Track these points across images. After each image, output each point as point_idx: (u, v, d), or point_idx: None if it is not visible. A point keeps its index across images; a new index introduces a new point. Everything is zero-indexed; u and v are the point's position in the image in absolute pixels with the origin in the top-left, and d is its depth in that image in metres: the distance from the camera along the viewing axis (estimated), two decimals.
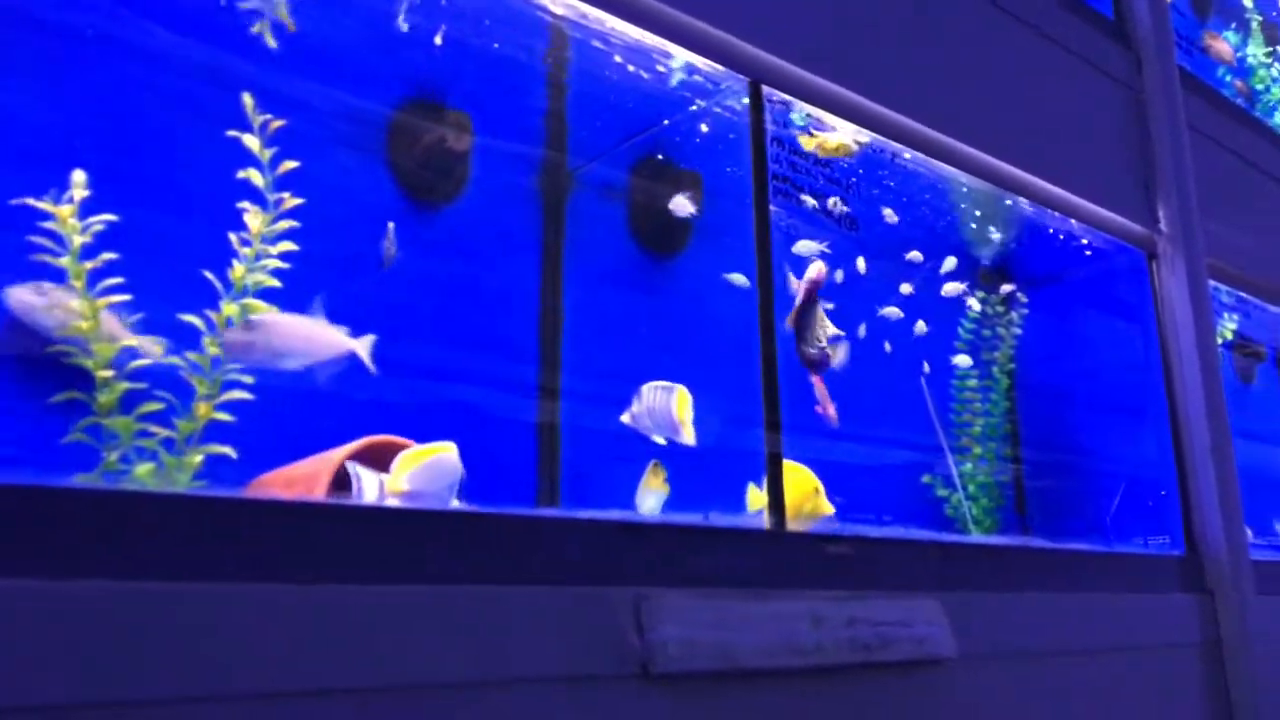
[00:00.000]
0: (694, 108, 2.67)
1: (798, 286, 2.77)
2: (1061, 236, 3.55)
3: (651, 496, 2.59)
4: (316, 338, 2.11)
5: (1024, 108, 3.23)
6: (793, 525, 2.29)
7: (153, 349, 1.94)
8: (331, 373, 2.14)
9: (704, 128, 2.79)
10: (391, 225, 2.49)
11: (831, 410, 2.73)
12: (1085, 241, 3.58)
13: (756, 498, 2.55)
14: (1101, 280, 3.84)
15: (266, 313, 2.09)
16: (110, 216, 1.95)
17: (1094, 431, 3.93)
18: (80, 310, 1.88)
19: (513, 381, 2.76)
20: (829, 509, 2.68)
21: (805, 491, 2.65)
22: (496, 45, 2.56)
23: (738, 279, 2.65)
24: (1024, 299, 3.92)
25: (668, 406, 2.56)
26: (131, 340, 1.95)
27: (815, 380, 2.78)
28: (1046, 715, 2.59)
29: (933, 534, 2.93)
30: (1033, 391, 3.96)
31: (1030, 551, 2.87)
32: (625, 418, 2.61)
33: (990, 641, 2.46)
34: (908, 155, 2.86)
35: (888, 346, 3.40)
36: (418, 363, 2.55)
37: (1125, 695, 2.83)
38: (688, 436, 2.57)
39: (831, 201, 2.82)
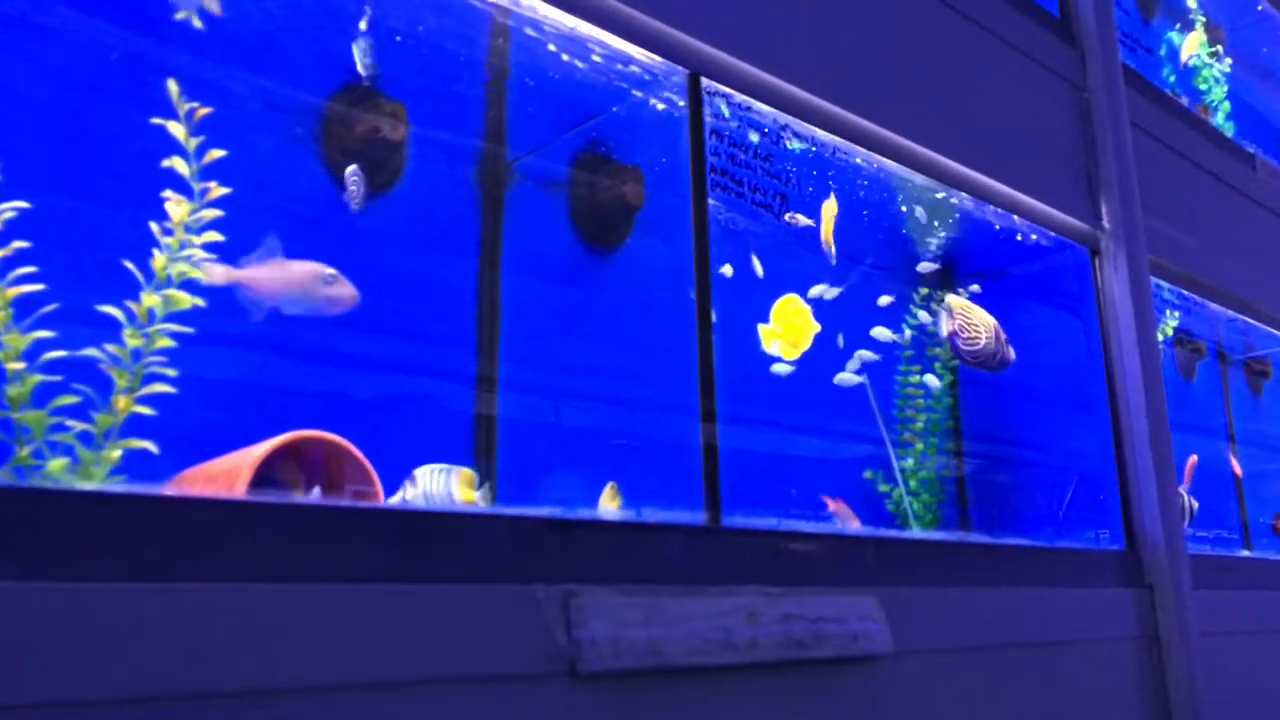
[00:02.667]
0: (633, 99, 2.64)
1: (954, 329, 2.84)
2: (1005, 232, 3.56)
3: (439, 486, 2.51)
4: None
5: (968, 104, 3.23)
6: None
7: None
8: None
9: (644, 120, 2.77)
10: (353, 167, 2.41)
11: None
12: (1034, 238, 3.60)
13: (611, 497, 2.56)
14: (1044, 276, 3.87)
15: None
16: (21, 204, 1.89)
17: (1037, 427, 3.96)
18: None
19: (449, 373, 2.72)
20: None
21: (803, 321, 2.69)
22: (432, 33, 2.52)
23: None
24: (966, 294, 3.93)
25: (447, 490, 2.23)
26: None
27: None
28: (984, 711, 2.60)
29: (870, 529, 2.93)
30: (975, 387, 3.98)
31: (969, 547, 2.88)
32: (396, 499, 2.25)
33: (927, 637, 2.46)
34: (852, 152, 2.86)
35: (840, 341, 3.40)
36: (351, 354, 2.51)
37: (1064, 690, 2.85)
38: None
39: (790, 216, 2.83)
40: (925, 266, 3.61)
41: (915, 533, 3.49)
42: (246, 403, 2.32)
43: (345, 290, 2.23)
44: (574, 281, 3.07)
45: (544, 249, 3.00)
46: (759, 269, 3.00)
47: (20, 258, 1.88)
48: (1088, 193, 3.63)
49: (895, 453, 3.60)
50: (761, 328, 2.95)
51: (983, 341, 3.19)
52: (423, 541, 1.72)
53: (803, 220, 2.79)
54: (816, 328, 3.02)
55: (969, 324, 3.22)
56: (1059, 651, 2.88)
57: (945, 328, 3.22)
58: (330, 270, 2.23)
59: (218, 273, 2.13)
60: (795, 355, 3.01)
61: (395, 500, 2.17)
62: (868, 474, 3.60)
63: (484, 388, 2.73)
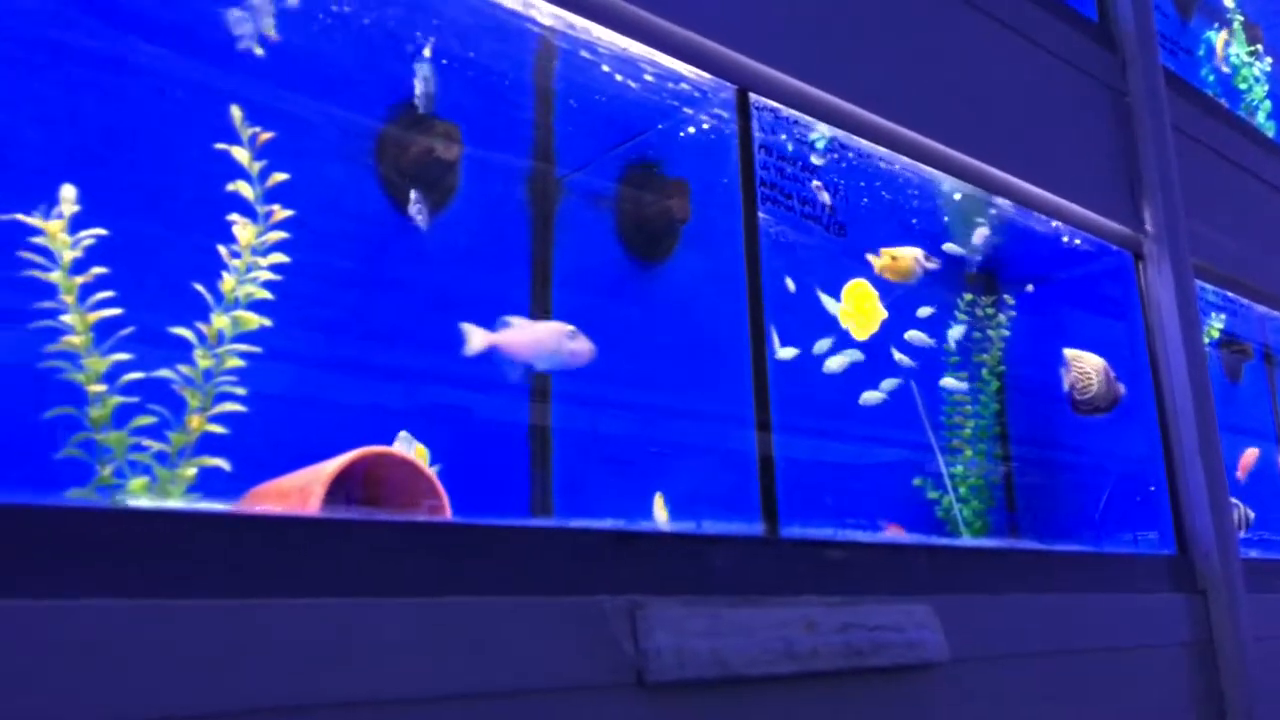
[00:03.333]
0: (683, 115, 2.68)
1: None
2: (1048, 238, 3.57)
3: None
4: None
5: (1009, 111, 3.25)
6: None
7: None
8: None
9: (691, 133, 2.80)
10: (414, 196, 2.48)
11: None
12: (1076, 243, 3.60)
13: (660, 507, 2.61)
14: (1088, 281, 3.87)
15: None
16: (100, 231, 1.95)
17: (1084, 432, 3.95)
18: (74, 325, 1.88)
19: (503, 387, 2.77)
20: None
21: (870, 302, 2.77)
22: (485, 57, 2.57)
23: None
24: (1011, 301, 3.94)
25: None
26: None
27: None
28: (1038, 717, 2.61)
29: (924, 538, 2.95)
30: (1022, 393, 3.98)
31: (1021, 554, 2.89)
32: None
33: (982, 644, 2.48)
34: (897, 161, 2.88)
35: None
36: (406, 370, 2.56)
37: (1118, 696, 2.85)
38: None
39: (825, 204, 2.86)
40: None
41: (967, 540, 3.50)
42: (311, 420, 2.37)
43: (584, 345, 2.38)
44: (621, 294, 3.11)
45: (592, 263, 3.05)
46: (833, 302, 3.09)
47: (99, 283, 1.94)
48: (1130, 197, 3.63)
49: (944, 459, 3.61)
50: (830, 300, 3.04)
51: (1095, 387, 3.24)
52: (491, 554, 1.76)
53: (825, 195, 2.82)
54: (883, 314, 3.09)
55: (1082, 373, 3.28)
56: (1112, 658, 2.88)
57: (1066, 381, 3.29)
58: (570, 328, 2.38)
59: (477, 337, 2.31)
60: (864, 336, 3.14)
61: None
62: (917, 481, 3.61)
63: (537, 399, 2.77)
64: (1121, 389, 3.37)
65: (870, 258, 3.19)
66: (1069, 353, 3.35)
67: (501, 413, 2.78)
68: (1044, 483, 4.00)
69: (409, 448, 2.28)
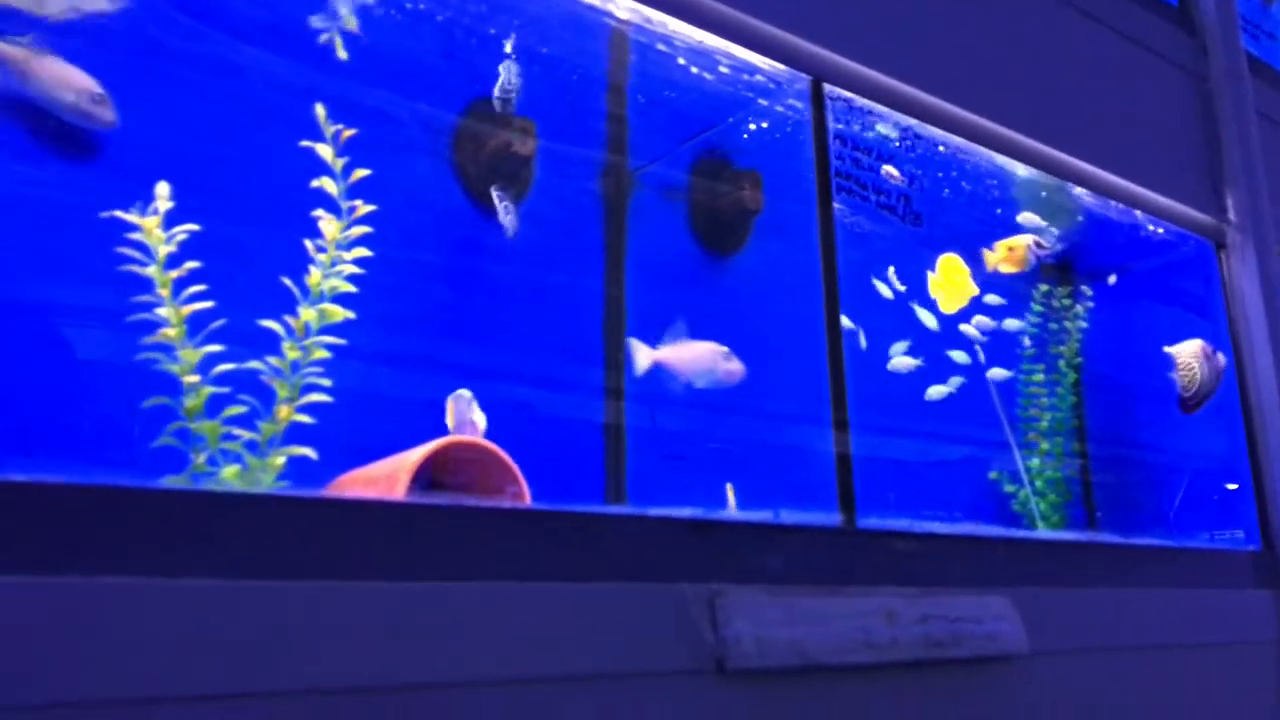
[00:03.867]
0: (756, 107, 2.68)
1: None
2: (1127, 228, 3.50)
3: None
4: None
5: (1086, 98, 3.19)
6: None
7: None
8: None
9: (764, 125, 2.80)
10: (500, 198, 2.53)
11: None
12: (1159, 232, 3.53)
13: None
14: (1168, 272, 3.79)
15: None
16: (193, 226, 2.01)
17: (1163, 426, 3.88)
18: (168, 318, 1.95)
19: (578, 382, 2.80)
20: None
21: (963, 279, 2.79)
22: (562, 50, 2.60)
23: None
24: (1089, 292, 3.88)
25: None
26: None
27: None
28: (1117, 712, 2.57)
29: (1002, 530, 2.92)
30: (1099, 385, 3.92)
31: (1101, 547, 2.84)
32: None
33: (1061, 638, 2.45)
34: (973, 151, 2.85)
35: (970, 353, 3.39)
36: (484, 363, 2.59)
37: (1197, 693, 2.80)
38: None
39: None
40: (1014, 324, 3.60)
41: (1046, 533, 3.45)
42: (390, 413, 2.42)
43: (736, 365, 2.55)
44: (694, 286, 3.12)
45: (665, 255, 3.06)
46: (886, 289, 3.10)
47: (192, 277, 2.00)
48: (1212, 185, 3.55)
49: (1020, 453, 3.56)
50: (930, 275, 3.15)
51: (1197, 374, 3.19)
52: (572, 541, 1.78)
53: (895, 175, 2.80)
54: (974, 290, 3.14)
55: (1185, 367, 3.23)
56: (1194, 654, 2.82)
57: (1178, 384, 3.26)
58: (724, 349, 2.56)
59: (643, 355, 2.55)
60: (954, 310, 3.23)
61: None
62: (993, 474, 3.58)
63: (612, 398, 2.80)
64: (1221, 360, 3.28)
65: (985, 253, 3.21)
66: (1170, 350, 3.29)
67: (577, 410, 2.81)
68: (1121, 477, 3.93)
69: (469, 408, 2.33)
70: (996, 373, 3.54)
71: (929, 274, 3.26)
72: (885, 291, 3.18)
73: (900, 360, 3.22)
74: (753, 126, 2.88)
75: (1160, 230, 3.52)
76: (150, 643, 1.27)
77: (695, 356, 2.51)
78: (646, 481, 2.83)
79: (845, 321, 2.36)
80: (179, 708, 1.29)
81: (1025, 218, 3.36)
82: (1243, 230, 3.49)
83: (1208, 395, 3.26)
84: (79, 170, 2.12)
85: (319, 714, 1.40)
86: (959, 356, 3.40)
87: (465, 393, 2.36)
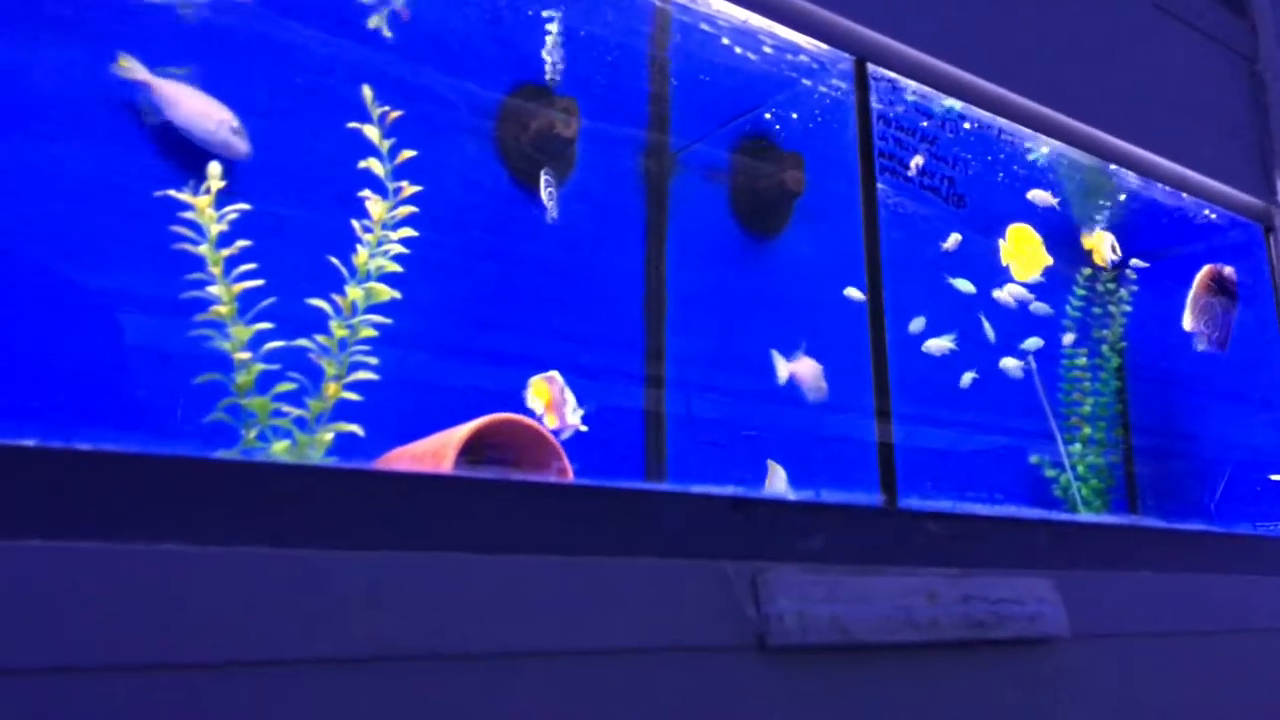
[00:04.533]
0: (799, 87, 2.68)
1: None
2: (1172, 211, 3.46)
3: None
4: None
5: (1133, 80, 3.16)
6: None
7: None
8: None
9: (807, 107, 2.80)
10: (546, 179, 2.55)
11: None
12: (1211, 216, 3.48)
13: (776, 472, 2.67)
14: (1214, 255, 3.74)
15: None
16: (243, 206, 2.04)
17: (1207, 411, 3.83)
18: (220, 295, 1.98)
19: (616, 369, 2.81)
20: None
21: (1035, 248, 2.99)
22: (604, 30, 2.60)
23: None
24: (1134, 275, 3.83)
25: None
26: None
27: None
28: (1160, 697, 2.55)
29: (1044, 513, 2.90)
30: (1143, 370, 3.88)
31: (1144, 531, 2.82)
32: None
33: (1103, 621, 2.44)
34: (1018, 132, 2.83)
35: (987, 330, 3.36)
36: (525, 348, 2.61)
37: (1241, 680, 2.77)
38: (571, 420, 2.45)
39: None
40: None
41: (1089, 516, 3.43)
42: (433, 386, 2.45)
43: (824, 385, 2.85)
44: (736, 268, 3.12)
45: (706, 236, 3.07)
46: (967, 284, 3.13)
47: (243, 256, 2.04)
48: (1261, 168, 3.50)
49: (1062, 437, 3.54)
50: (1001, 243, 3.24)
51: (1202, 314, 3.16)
52: (615, 516, 1.79)
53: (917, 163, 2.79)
54: (1048, 259, 3.23)
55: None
56: (1237, 640, 2.80)
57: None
58: (820, 367, 2.86)
59: (782, 367, 2.84)
60: (1027, 278, 3.29)
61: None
62: (1034, 459, 3.55)
63: (652, 385, 2.82)
64: (1230, 275, 3.24)
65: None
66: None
67: (619, 394, 2.82)
68: (1165, 463, 3.89)
69: (560, 388, 2.39)
70: (1010, 363, 3.49)
71: (1000, 242, 3.30)
72: (966, 287, 3.18)
73: (934, 342, 3.19)
74: (797, 107, 2.87)
75: (1208, 214, 3.47)
76: (209, 608, 1.30)
77: (815, 373, 2.82)
78: (685, 467, 2.85)
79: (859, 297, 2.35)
80: (236, 672, 1.32)
81: (1037, 195, 3.32)
82: None
83: (1225, 333, 3.22)
84: (138, 151, 2.16)
85: (368, 681, 1.43)
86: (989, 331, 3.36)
87: (555, 375, 2.40)
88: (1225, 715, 2.68)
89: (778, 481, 2.63)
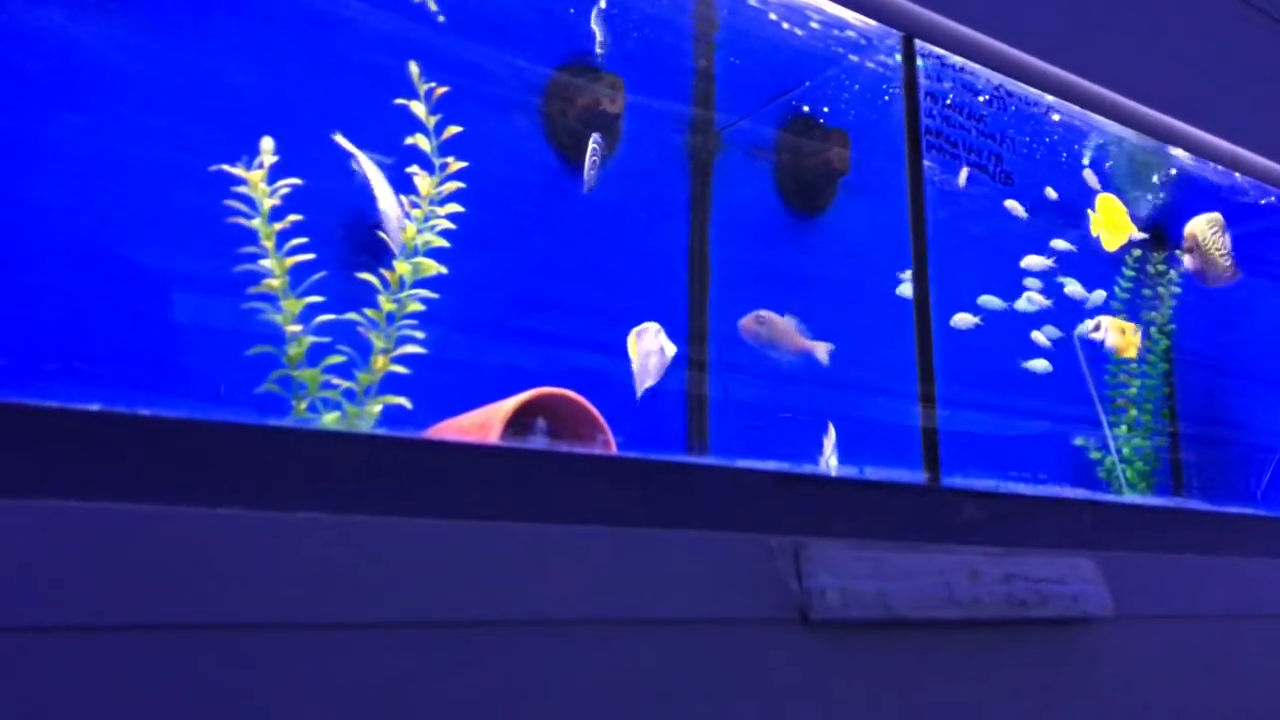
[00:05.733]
0: (846, 63, 2.66)
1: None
2: (1225, 191, 3.40)
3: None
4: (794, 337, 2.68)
5: (1184, 56, 3.11)
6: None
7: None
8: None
9: (855, 84, 2.78)
10: (594, 144, 2.56)
11: None
12: (1263, 198, 3.42)
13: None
14: (1269, 236, 3.67)
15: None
16: (295, 181, 2.07)
17: (1257, 397, 3.78)
18: (272, 269, 2.02)
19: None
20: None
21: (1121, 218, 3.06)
22: (650, 5, 2.60)
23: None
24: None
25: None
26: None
27: None
28: (1203, 680, 2.54)
29: (1087, 493, 2.88)
30: (1193, 353, 3.82)
31: (1189, 513, 2.79)
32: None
33: (1146, 603, 2.42)
34: (1067, 111, 2.80)
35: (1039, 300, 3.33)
36: (566, 330, 2.63)
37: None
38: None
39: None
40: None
41: (1133, 497, 3.40)
42: (480, 360, 2.47)
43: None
44: (780, 246, 3.11)
45: (751, 214, 3.06)
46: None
47: (295, 230, 2.07)
48: None
49: (1108, 420, 3.50)
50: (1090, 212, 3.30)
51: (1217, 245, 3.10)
52: (661, 488, 1.81)
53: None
54: (1134, 229, 3.29)
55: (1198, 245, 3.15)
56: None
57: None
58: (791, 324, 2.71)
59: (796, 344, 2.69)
60: (1115, 247, 3.33)
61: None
62: (1079, 440, 3.52)
63: (694, 369, 2.82)
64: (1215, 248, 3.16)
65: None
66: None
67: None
68: (1212, 447, 3.84)
69: (655, 338, 2.41)
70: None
71: (1089, 212, 3.32)
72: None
73: (960, 317, 3.16)
74: (844, 83, 2.85)
75: (1261, 198, 3.41)
76: (263, 573, 1.34)
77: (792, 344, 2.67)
78: (726, 450, 2.86)
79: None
80: (291, 633, 1.36)
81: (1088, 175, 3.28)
82: None
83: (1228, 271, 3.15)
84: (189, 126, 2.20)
85: (413, 645, 1.46)
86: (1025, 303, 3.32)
87: (652, 325, 2.42)
88: (1264, 699, 2.66)
89: (830, 447, 2.60)
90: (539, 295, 2.61)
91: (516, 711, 1.53)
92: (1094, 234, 3.28)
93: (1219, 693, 2.54)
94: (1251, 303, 3.84)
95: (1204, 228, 3.10)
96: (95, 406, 1.28)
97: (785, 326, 2.63)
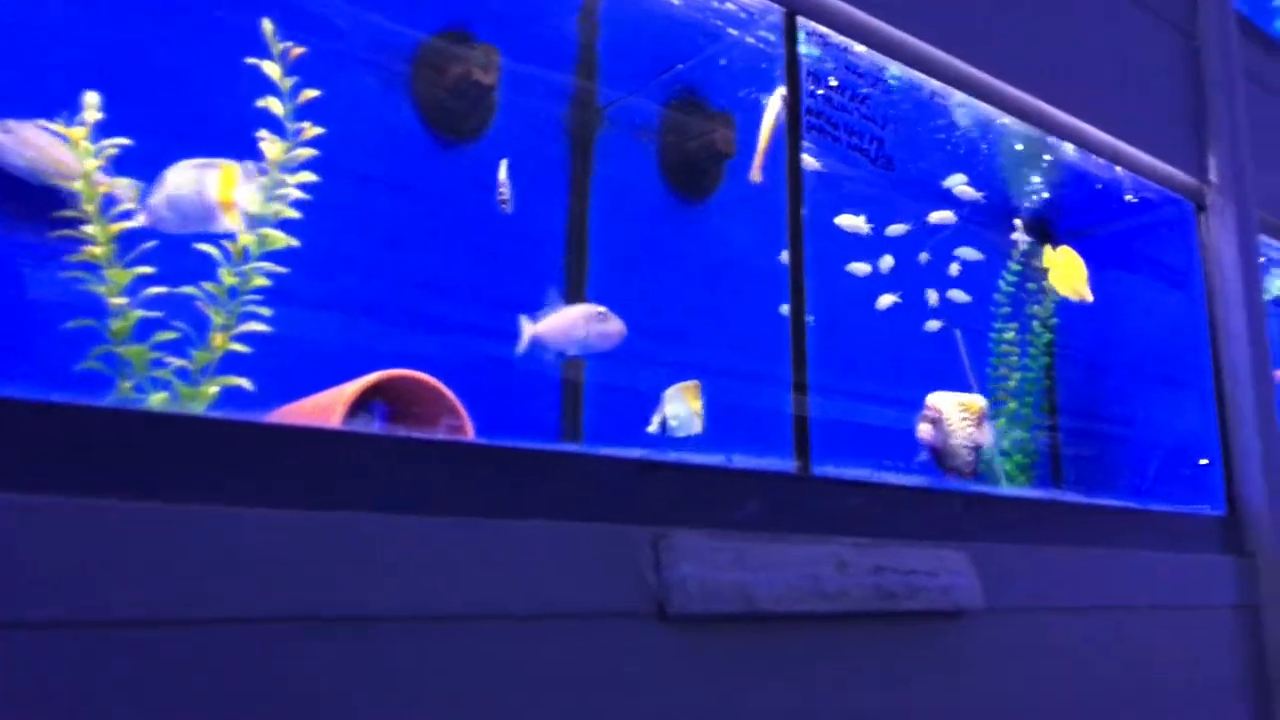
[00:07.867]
0: (729, 39, 2.58)
1: None
2: (1107, 185, 3.43)
3: (681, 406, 2.51)
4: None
5: (1072, 48, 3.11)
6: None
7: (128, 191, 1.91)
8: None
9: (737, 63, 2.70)
10: (504, 164, 2.43)
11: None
12: (1138, 194, 3.46)
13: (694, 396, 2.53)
14: (1146, 232, 3.73)
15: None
16: (123, 140, 1.91)
17: (1135, 387, 3.83)
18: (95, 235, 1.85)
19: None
20: None
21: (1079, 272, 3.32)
22: None
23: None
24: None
25: (200, 189, 1.99)
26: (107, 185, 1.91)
27: None
28: (1074, 671, 2.53)
29: (960, 484, 2.86)
30: (1073, 347, 3.86)
31: (1062, 505, 2.80)
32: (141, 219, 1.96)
33: (1018, 595, 2.40)
34: (949, 96, 2.77)
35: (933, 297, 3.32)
36: (434, 309, 2.51)
37: (1156, 655, 2.77)
38: (232, 222, 2.03)
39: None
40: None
41: (1006, 489, 3.40)
42: (330, 338, 2.33)
43: (614, 326, 2.40)
44: (661, 231, 3.03)
45: (633, 195, 2.97)
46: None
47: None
48: (1195, 145, 3.48)
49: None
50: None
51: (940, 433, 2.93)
52: (517, 477, 1.71)
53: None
54: (1087, 289, 3.50)
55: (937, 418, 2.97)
56: (1154, 616, 2.79)
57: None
58: (600, 309, 2.41)
59: (526, 333, 2.39)
60: (1074, 296, 3.50)
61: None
62: None
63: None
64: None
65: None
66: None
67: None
68: (1091, 442, 3.89)
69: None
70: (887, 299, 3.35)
71: (1046, 253, 3.47)
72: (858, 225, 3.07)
73: (885, 298, 3.14)
74: (727, 68, 2.77)
75: (1140, 194, 3.45)
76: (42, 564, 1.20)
77: (567, 324, 2.38)
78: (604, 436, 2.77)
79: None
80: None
81: (955, 181, 3.26)
82: (1223, 192, 3.43)
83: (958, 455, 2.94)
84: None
85: (222, 642, 1.33)
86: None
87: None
88: (1136, 690, 2.67)
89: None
90: (401, 272, 2.47)
91: (356, 712, 1.41)
92: (1048, 284, 3.45)
93: (1090, 685, 2.54)
94: (1136, 289, 3.90)
95: (951, 406, 2.95)
96: None
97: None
